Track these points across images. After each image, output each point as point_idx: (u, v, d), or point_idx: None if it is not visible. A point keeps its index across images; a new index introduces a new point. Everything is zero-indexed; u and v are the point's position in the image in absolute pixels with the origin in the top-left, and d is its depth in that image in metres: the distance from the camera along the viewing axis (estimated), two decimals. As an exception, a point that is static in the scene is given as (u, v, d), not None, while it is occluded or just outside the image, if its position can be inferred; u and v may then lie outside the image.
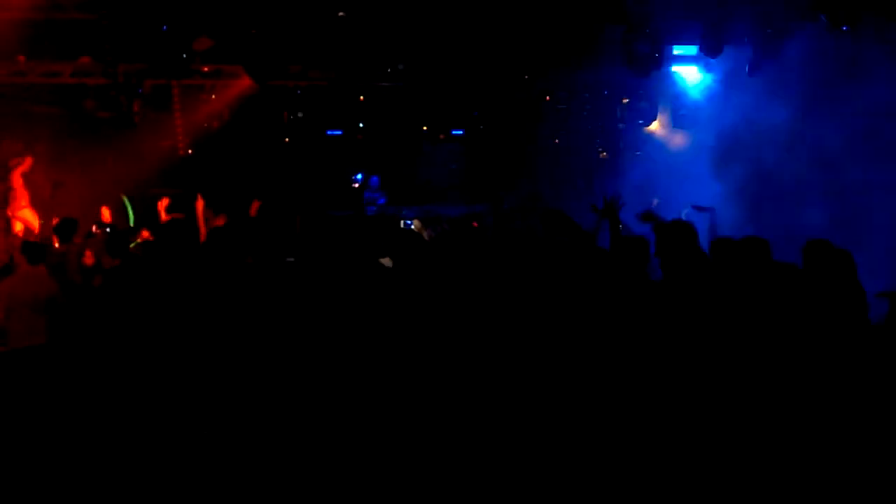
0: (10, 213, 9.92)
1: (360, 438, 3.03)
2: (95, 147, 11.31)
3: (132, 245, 7.44)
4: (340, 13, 9.81)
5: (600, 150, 12.99)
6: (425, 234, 6.03)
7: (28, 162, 10.13)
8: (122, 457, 2.98)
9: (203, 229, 6.61)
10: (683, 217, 6.53)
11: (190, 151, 11.85)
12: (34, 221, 9.89)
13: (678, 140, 12.48)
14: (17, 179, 9.96)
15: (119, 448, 2.99)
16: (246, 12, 9.83)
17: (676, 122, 12.32)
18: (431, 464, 2.98)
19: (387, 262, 3.98)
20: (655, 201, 10.70)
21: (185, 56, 10.01)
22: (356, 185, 13.59)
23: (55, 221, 8.01)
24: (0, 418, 2.91)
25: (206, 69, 11.10)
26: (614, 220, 3.83)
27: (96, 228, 8.54)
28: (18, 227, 9.91)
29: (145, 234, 8.45)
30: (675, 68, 11.28)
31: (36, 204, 10.13)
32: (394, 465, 2.97)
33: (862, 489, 3.01)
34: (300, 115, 11.95)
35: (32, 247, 5.92)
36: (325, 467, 3.04)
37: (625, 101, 12.50)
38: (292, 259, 4.44)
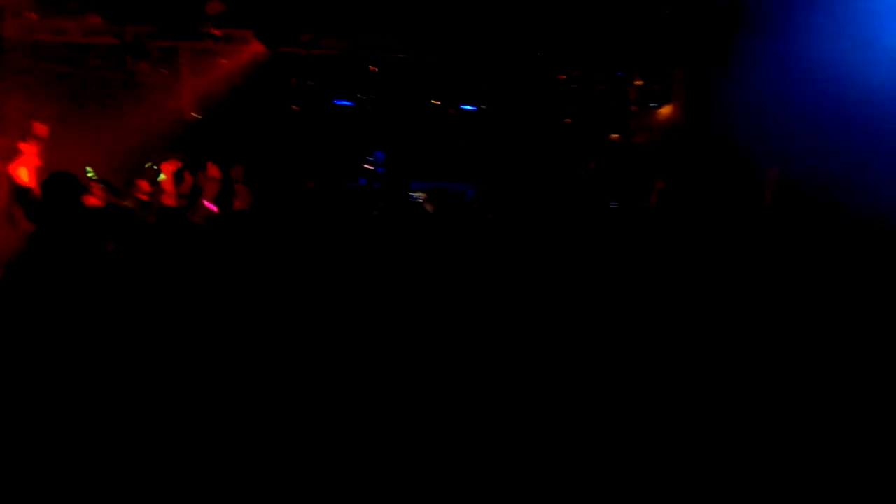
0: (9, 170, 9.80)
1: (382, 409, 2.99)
2: (101, 107, 11.19)
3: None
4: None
5: (612, 132, 12.82)
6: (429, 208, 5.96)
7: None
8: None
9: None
10: None
11: (197, 115, 11.75)
12: (25, 178, 9.73)
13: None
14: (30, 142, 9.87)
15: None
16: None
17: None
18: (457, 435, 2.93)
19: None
20: None
21: (195, 19, 9.90)
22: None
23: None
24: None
25: (216, 33, 10.96)
26: None
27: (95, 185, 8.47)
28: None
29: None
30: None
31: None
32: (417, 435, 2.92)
33: None
34: (310, 83, 11.81)
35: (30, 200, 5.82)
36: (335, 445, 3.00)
37: (638, 82, 12.32)
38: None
